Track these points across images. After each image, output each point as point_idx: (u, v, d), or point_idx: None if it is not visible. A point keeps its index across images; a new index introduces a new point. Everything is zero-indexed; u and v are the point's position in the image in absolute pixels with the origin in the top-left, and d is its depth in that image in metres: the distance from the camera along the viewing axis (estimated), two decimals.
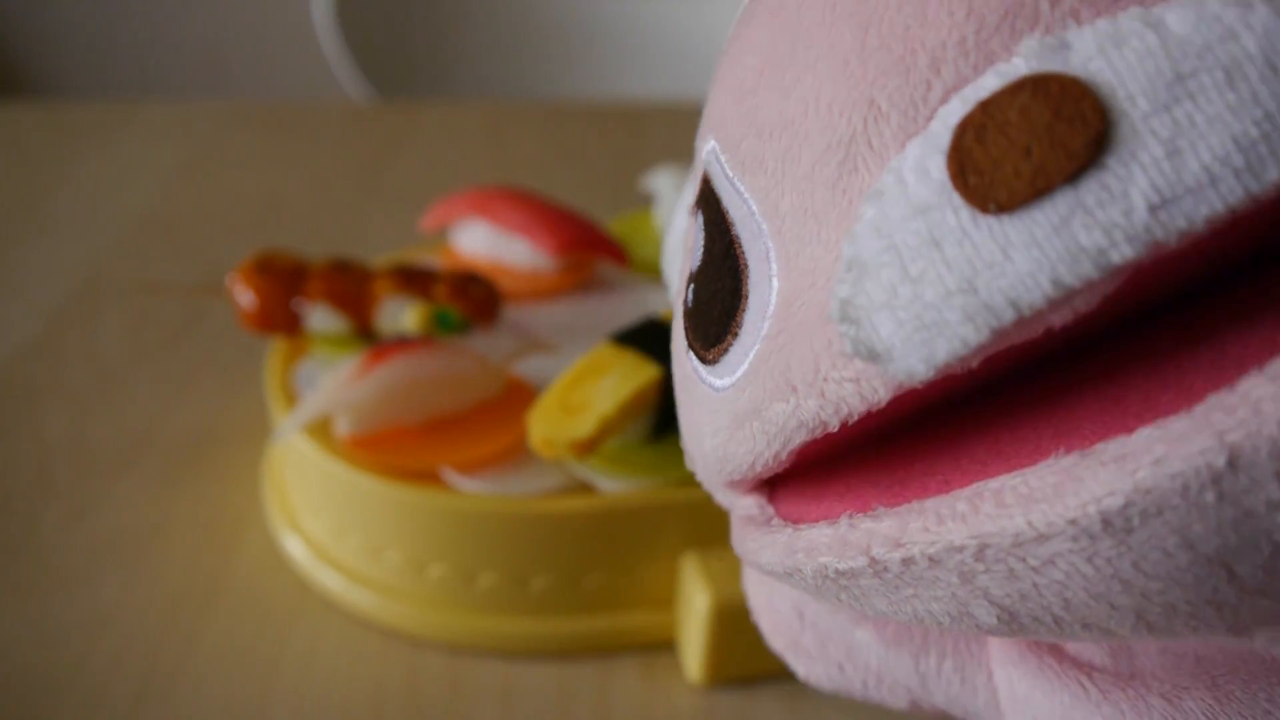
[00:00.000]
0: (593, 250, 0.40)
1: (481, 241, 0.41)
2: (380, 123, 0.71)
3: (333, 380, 0.32)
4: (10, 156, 0.64)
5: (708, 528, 0.31)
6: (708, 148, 0.18)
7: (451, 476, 0.30)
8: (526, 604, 0.31)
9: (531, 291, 0.39)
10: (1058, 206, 0.12)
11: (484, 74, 0.95)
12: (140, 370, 0.44)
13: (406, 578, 0.31)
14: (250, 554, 0.35)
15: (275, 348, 0.36)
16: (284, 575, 0.34)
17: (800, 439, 0.16)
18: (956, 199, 0.13)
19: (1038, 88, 0.13)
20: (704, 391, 0.18)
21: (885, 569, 0.15)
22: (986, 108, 0.13)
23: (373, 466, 0.31)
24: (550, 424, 0.29)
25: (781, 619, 0.23)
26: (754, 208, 0.17)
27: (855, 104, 0.15)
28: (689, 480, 0.30)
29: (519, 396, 0.33)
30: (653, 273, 0.42)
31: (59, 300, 0.49)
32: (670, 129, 0.70)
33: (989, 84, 0.13)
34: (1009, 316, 0.12)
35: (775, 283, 0.16)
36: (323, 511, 0.33)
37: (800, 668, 0.23)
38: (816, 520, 0.16)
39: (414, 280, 0.35)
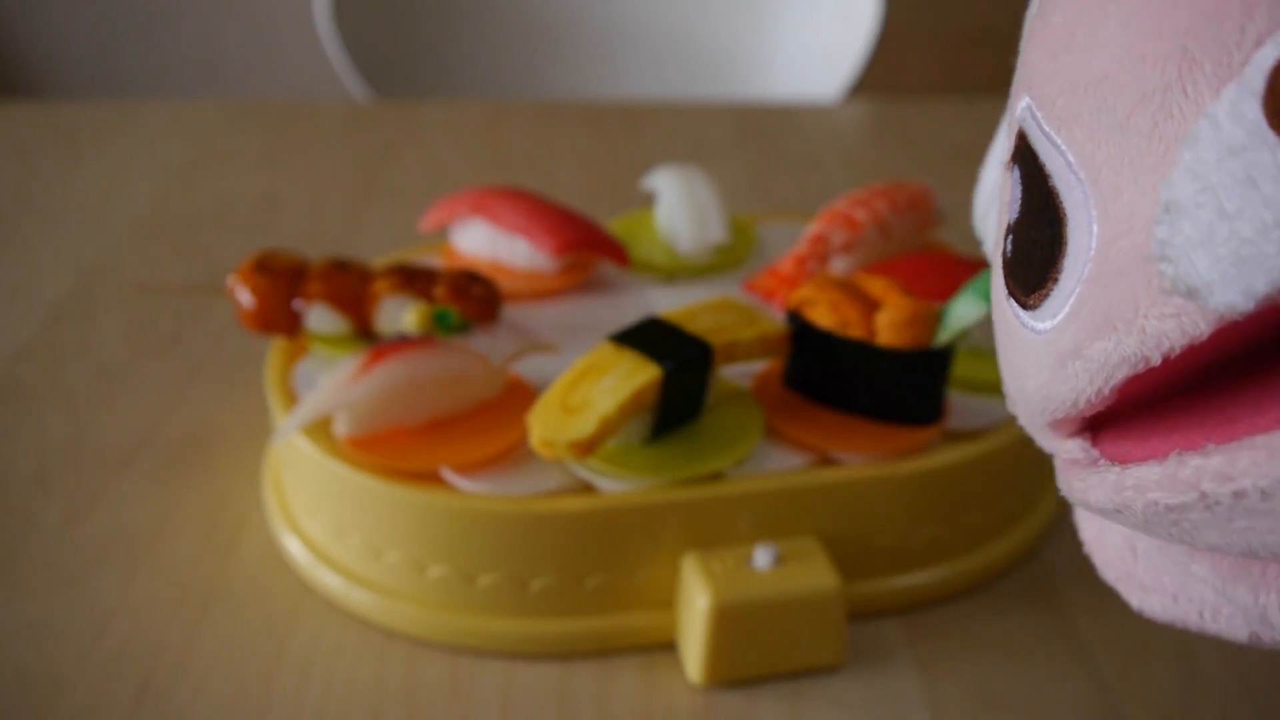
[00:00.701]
0: (593, 250, 0.40)
1: (481, 241, 0.41)
2: (380, 122, 0.71)
3: (332, 380, 0.32)
4: (10, 156, 0.64)
5: (708, 528, 0.31)
6: (1022, 105, 0.19)
7: (451, 476, 0.30)
8: (526, 604, 0.31)
9: (531, 291, 0.39)
10: None
11: (483, 74, 0.95)
12: (140, 370, 0.44)
13: (407, 578, 0.31)
14: (250, 554, 0.35)
15: (275, 348, 0.36)
16: (284, 575, 0.34)
17: (1122, 375, 0.17)
18: (1272, 139, 0.14)
19: None
20: (1025, 336, 0.19)
21: (1216, 503, 0.16)
22: None
23: (373, 467, 0.31)
24: (550, 424, 0.29)
25: (1113, 552, 0.24)
26: (1071, 159, 0.18)
27: (1169, 54, 0.16)
28: (689, 480, 0.31)
29: (519, 396, 0.33)
30: (653, 272, 0.42)
31: (59, 300, 0.49)
32: (670, 129, 0.70)
33: None
34: None
35: (1095, 228, 0.17)
36: (323, 512, 0.33)
37: (1133, 599, 0.24)
38: (1144, 459, 0.17)
39: (414, 280, 0.35)
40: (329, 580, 0.33)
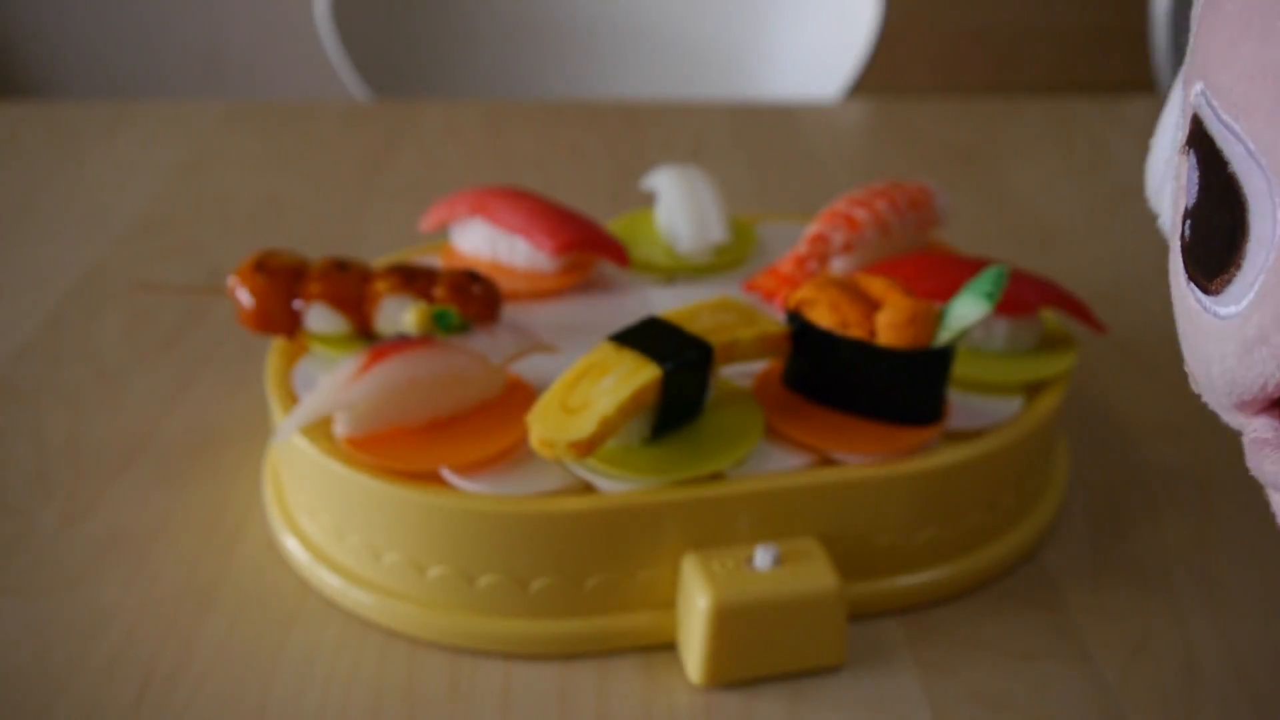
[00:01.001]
0: (593, 250, 0.40)
1: (481, 241, 0.41)
2: (379, 122, 0.71)
3: (332, 380, 0.32)
4: (10, 156, 0.64)
5: (708, 528, 0.31)
6: (1196, 90, 0.19)
7: (451, 476, 0.30)
8: (526, 604, 0.31)
9: (531, 291, 0.39)
10: None
11: (483, 73, 0.95)
12: (140, 370, 0.44)
13: (407, 579, 0.31)
14: (250, 554, 0.35)
15: (275, 348, 0.36)
16: (284, 575, 0.34)
17: None
18: None
19: None
20: (1208, 320, 0.19)
21: None
22: None
23: (372, 467, 0.31)
24: (550, 424, 0.29)
25: None
26: (1251, 147, 0.17)
27: None
28: (689, 480, 0.31)
29: (519, 396, 0.33)
30: (653, 272, 0.42)
31: (58, 300, 0.49)
32: (670, 129, 0.70)
33: None
34: None
35: (1279, 215, 0.17)
36: (323, 512, 0.33)
37: None
38: None
39: (414, 280, 0.35)
40: (328, 580, 0.33)
